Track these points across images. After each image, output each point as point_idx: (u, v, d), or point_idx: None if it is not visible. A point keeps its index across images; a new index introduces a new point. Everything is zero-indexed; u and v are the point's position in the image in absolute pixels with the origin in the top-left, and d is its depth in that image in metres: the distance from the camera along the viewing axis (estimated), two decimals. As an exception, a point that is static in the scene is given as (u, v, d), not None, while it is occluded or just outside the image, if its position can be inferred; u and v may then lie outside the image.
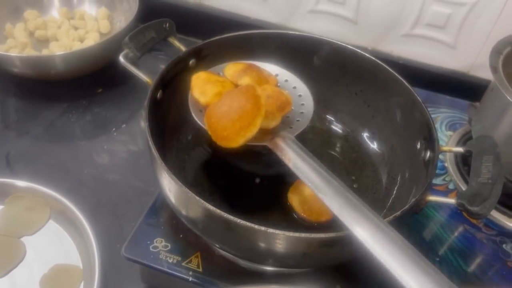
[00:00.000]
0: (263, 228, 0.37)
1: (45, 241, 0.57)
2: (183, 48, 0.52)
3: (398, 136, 0.53)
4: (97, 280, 0.51)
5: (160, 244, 0.51)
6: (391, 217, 0.39)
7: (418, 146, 0.49)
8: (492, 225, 0.57)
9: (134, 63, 0.49)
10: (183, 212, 0.43)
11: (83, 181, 0.65)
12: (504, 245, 0.55)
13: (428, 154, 0.46)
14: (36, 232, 0.58)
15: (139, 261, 0.49)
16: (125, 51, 0.49)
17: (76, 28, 0.84)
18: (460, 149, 0.45)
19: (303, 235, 0.37)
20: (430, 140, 0.46)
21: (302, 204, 0.50)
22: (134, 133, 0.73)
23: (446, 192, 0.60)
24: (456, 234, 0.56)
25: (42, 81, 0.77)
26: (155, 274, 0.51)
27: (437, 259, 0.53)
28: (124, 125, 0.74)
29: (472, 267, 0.53)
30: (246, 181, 0.55)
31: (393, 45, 0.80)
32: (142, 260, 0.49)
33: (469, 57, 0.77)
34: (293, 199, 0.51)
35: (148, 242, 0.51)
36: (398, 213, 0.39)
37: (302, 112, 0.48)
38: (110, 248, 0.55)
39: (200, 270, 0.49)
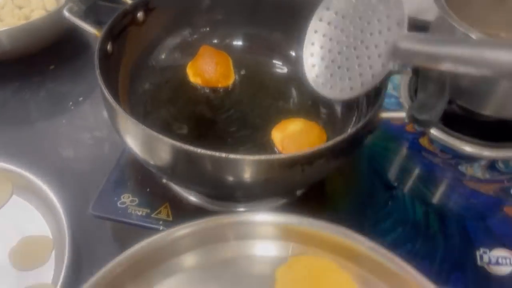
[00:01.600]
0: (223, 154, 0.37)
1: (11, 216, 0.55)
2: (129, 1, 0.52)
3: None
4: (68, 246, 0.50)
5: (127, 200, 0.50)
6: (346, 134, 0.40)
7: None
8: (447, 150, 0.60)
9: (80, 16, 0.48)
10: (147, 157, 0.43)
11: (44, 155, 0.64)
12: (459, 166, 0.58)
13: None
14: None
15: (107, 217, 0.49)
16: (69, 4, 0.48)
17: (20, 8, 0.81)
18: (407, 69, 0.47)
19: (262, 157, 0.38)
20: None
21: (282, 140, 0.51)
22: (93, 104, 0.72)
23: (403, 125, 0.62)
24: (415, 162, 0.59)
25: (-11, 61, 0.74)
26: (126, 230, 0.51)
27: (401, 186, 0.56)
28: (81, 98, 0.73)
29: (433, 189, 0.56)
30: (217, 125, 0.54)
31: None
32: (110, 216, 0.49)
33: (415, 1, 0.79)
34: (276, 136, 0.52)
35: (116, 199, 0.50)
36: (353, 130, 0.40)
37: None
38: (78, 215, 0.54)
39: (170, 219, 0.49)
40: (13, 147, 0.64)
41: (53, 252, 0.53)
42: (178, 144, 0.38)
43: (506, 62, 0.35)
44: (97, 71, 0.43)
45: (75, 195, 0.56)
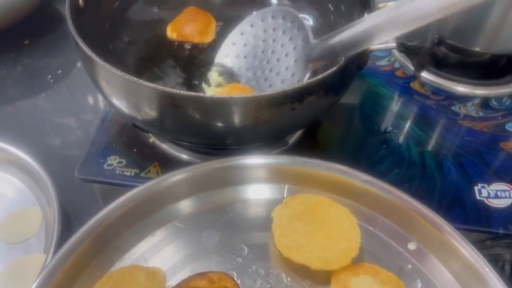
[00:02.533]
0: (208, 95, 0.36)
1: (-5, 194, 0.54)
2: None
3: (334, 8, 0.53)
4: (57, 215, 0.49)
5: (114, 161, 0.49)
6: (336, 68, 0.38)
7: (356, 12, 0.48)
8: (438, 91, 0.59)
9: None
10: (132, 110, 0.41)
11: (25, 129, 0.62)
12: (452, 107, 0.57)
13: (366, 15, 0.46)
14: (-19, 187, 0.54)
15: (94, 179, 0.47)
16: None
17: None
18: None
19: (250, 94, 0.36)
20: (366, 3, 0.46)
21: None
22: (72, 76, 0.70)
23: (392, 71, 0.61)
24: (408, 106, 0.57)
25: (-41, 39, 0.71)
26: (116, 194, 0.49)
27: (395, 131, 0.55)
28: (60, 71, 0.70)
29: (428, 131, 0.55)
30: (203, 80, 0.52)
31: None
32: (97, 178, 0.47)
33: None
34: None
35: (102, 161, 0.49)
36: (342, 63, 0.39)
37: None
38: (66, 186, 0.52)
39: (161, 177, 0.47)
40: (-7, 124, 0.62)
41: (43, 223, 0.51)
42: (160, 87, 0.36)
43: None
44: (69, 22, 0.40)
45: (60, 164, 0.55)
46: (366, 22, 0.36)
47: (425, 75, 0.59)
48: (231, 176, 0.39)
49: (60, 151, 0.58)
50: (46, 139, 0.60)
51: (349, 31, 0.38)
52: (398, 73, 0.61)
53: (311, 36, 0.44)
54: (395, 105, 0.58)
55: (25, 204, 0.53)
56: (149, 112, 0.40)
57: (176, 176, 0.38)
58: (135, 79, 0.36)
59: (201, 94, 0.35)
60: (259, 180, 0.40)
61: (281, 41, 0.48)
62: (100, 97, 0.64)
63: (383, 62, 0.62)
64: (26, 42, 0.74)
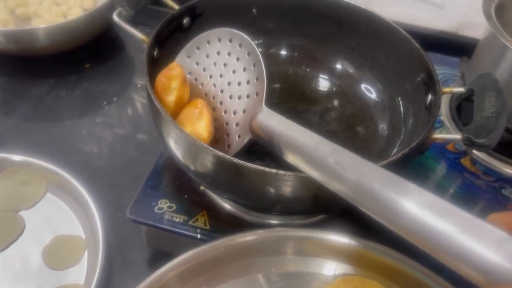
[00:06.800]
0: (274, 170, 0.36)
1: (44, 214, 0.55)
2: (176, 7, 0.51)
3: (397, 84, 0.53)
4: (102, 248, 0.50)
5: (165, 205, 0.50)
6: (399, 154, 0.39)
7: (419, 91, 0.49)
8: (490, 172, 0.58)
9: (129, 21, 0.47)
10: (191, 166, 0.42)
11: (77, 154, 0.64)
12: (503, 190, 0.56)
13: (430, 97, 0.46)
14: (34, 205, 0.56)
15: (145, 222, 0.48)
16: (118, 9, 0.47)
17: (58, 5, 0.82)
18: (461, 89, 0.45)
19: (314, 174, 0.37)
20: (431, 84, 0.46)
21: None
22: (127, 105, 0.72)
23: (444, 144, 0.61)
24: (456, 182, 0.57)
25: (27, 57, 0.75)
26: (160, 236, 0.51)
27: (440, 207, 0.54)
28: (116, 98, 0.73)
29: (474, 212, 0.54)
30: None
31: (382, 8, 0.79)
32: (147, 221, 0.48)
33: (456, 17, 0.78)
34: None
35: (153, 204, 0.50)
36: (406, 150, 0.39)
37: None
38: (111, 217, 0.54)
39: (208, 227, 0.48)
40: (48, 145, 0.65)
41: (86, 253, 0.53)
42: (228, 157, 0.37)
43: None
44: (146, 79, 0.42)
45: (108, 197, 0.56)
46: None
47: (477, 152, 0.59)
48: (282, 246, 0.40)
49: (110, 181, 0.60)
50: (97, 167, 0.62)
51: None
52: (449, 147, 0.61)
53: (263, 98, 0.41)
54: (444, 180, 0.57)
55: (70, 230, 0.54)
56: (206, 171, 0.41)
57: (228, 242, 0.38)
58: (205, 145, 0.38)
59: (266, 169, 0.36)
60: (310, 253, 0.40)
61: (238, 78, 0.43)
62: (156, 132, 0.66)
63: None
64: (87, 66, 0.77)
